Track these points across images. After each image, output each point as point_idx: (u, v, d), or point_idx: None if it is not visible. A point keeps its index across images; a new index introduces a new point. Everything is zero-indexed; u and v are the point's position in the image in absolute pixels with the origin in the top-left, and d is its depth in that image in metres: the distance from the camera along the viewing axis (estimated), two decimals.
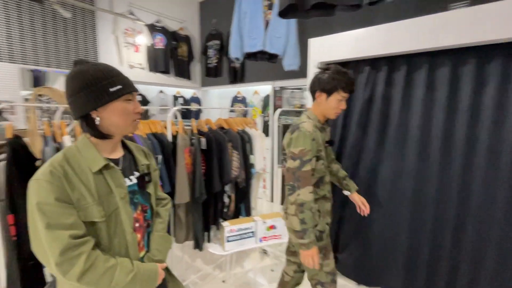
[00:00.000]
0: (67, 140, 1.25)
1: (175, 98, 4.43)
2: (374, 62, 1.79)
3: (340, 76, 1.23)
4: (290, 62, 2.17)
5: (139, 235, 0.84)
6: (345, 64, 1.92)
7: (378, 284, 1.97)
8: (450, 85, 1.55)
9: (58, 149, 1.21)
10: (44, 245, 0.67)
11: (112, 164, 0.78)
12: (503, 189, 1.44)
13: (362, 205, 1.51)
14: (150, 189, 0.90)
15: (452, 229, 1.62)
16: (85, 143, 0.77)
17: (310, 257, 1.21)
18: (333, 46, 1.89)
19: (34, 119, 1.53)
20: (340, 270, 2.11)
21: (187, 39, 4.21)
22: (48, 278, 1.34)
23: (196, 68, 4.52)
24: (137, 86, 3.17)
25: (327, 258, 1.37)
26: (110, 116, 0.74)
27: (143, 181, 0.87)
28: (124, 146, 0.89)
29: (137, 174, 0.87)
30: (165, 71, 3.98)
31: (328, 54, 1.92)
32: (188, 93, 4.58)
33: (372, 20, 1.94)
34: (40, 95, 1.56)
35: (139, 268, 0.78)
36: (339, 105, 1.27)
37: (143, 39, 3.65)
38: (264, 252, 2.51)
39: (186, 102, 4.53)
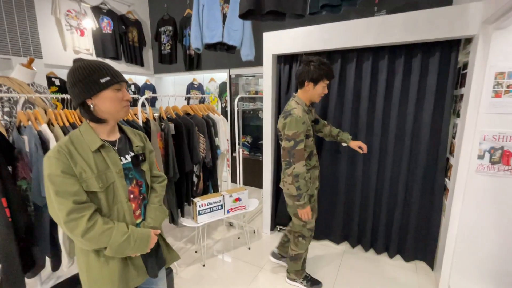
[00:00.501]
0: (45, 128, 1.31)
1: (127, 85, 4.28)
2: (317, 56, 2.15)
3: (324, 66, 1.48)
4: (246, 53, 2.40)
5: (133, 205, 1.01)
6: (293, 56, 2.26)
7: (325, 237, 2.47)
8: (371, 75, 2.01)
9: (40, 137, 1.27)
10: (55, 209, 0.83)
11: (107, 144, 0.93)
12: (406, 155, 1.99)
13: (359, 149, 1.78)
14: (145, 167, 1.05)
15: (374, 192, 2.16)
16: (86, 127, 0.92)
17: (305, 213, 1.55)
18: (284, 40, 2.19)
19: None
20: None
21: (137, 24, 4.06)
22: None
23: (149, 54, 4.41)
24: None
25: (311, 217, 1.67)
26: (102, 103, 0.88)
27: (137, 160, 1.03)
28: (121, 130, 1.04)
29: (132, 154, 1.02)
30: (115, 57, 3.82)
31: (280, 47, 2.22)
32: (140, 80, 4.46)
33: (316, 18, 2.28)
34: None
35: (134, 231, 0.94)
36: (323, 91, 1.54)
37: (89, 22, 3.43)
38: (230, 224, 2.82)
39: (139, 89, 4.43)
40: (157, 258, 1.09)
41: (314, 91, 1.54)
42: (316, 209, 1.78)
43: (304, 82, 1.53)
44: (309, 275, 1.91)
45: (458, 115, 1.81)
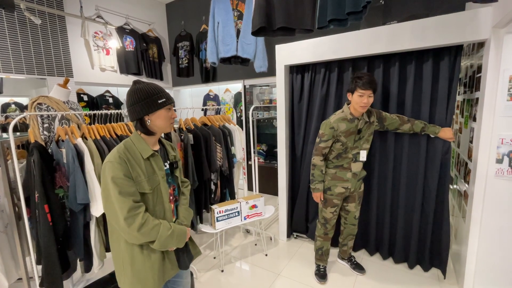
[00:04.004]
0: (80, 142, 1.45)
1: None
2: (328, 65, 2.22)
3: (357, 79, 1.68)
4: (260, 65, 2.50)
5: (172, 205, 1.15)
6: (305, 66, 2.33)
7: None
8: (382, 81, 2.03)
9: (76, 149, 1.42)
10: (115, 207, 0.95)
11: (156, 153, 1.09)
12: (422, 161, 1.97)
13: (453, 136, 1.80)
14: (177, 173, 1.21)
15: (390, 198, 2.14)
16: (138, 138, 1.06)
17: (315, 196, 1.92)
18: (296, 51, 2.27)
19: (36, 125, 1.69)
20: (310, 236, 2.56)
21: (157, 41, 4.32)
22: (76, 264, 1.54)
23: (168, 69, 4.65)
24: (110, 88, 3.29)
25: (325, 208, 1.94)
26: (156, 119, 1.03)
27: (172, 167, 1.18)
28: (159, 141, 1.18)
29: (168, 162, 1.17)
30: (137, 73, 4.07)
31: (292, 58, 2.31)
32: None
33: (326, 30, 2.35)
34: (39, 104, 1.71)
35: (175, 227, 1.08)
36: (361, 100, 1.67)
37: (114, 42, 3.71)
38: (247, 231, 2.87)
39: None
40: (187, 252, 1.21)
41: (353, 100, 1.72)
42: (335, 204, 1.92)
43: (347, 93, 1.78)
44: (323, 267, 2.08)
45: (474, 119, 1.79)
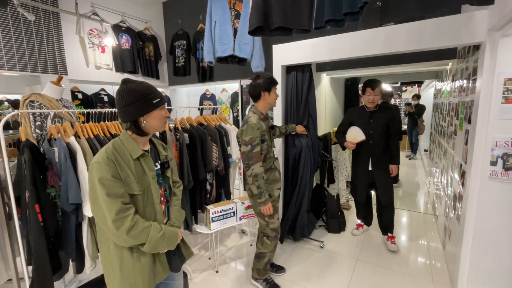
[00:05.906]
0: (73, 140, 1.43)
1: None
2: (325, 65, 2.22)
3: (269, 77, 1.75)
4: (257, 64, 2.49)
5: (163, 206, 1.12)
6: (300, 66, 2.33)
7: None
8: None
9: (68, 148, 1.39)
10: (103, 209, 0.92)
11: (146, 153, 1.06)
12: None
13: (303, 132, 2.26)
14: (168, 173, 1.18)
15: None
16: (127, 137, 1.03)
17: (267, 209, 1.72)
18: (293, 52, 2.27)
19: (28, 123, 1.65)
20: (298, 236, 2.56)
21: (153, 39, 4.28)
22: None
23: (164, 67, 4.62)
24: (105, 87, 3.23)
25: (272, 218, 1.81)
26: (151, 120, 1.02)
27: (163, 167, 1.15)
28: (150, 141, 1.15)
29: (159, 162, 1.14)
30: (133, 71, 4.03)
31: (289, 58, 2.30)
32: None
33: (323, 30, 2.35)
34: (31, 101, 1.68)
35: (166, 229, 1.05)
36: (276, 96, 1.80)
37: (109, 40, 3.67)
38: (243, 231, 2.86)
39: None
40: (179, 254, 1.19)
41: (271, 98, 1.78)
42: (278, 209, 1.86)
43: (260, 94, 1.75)
44: (270, 278, 1.97)
45: (469, 121, 1.80)
